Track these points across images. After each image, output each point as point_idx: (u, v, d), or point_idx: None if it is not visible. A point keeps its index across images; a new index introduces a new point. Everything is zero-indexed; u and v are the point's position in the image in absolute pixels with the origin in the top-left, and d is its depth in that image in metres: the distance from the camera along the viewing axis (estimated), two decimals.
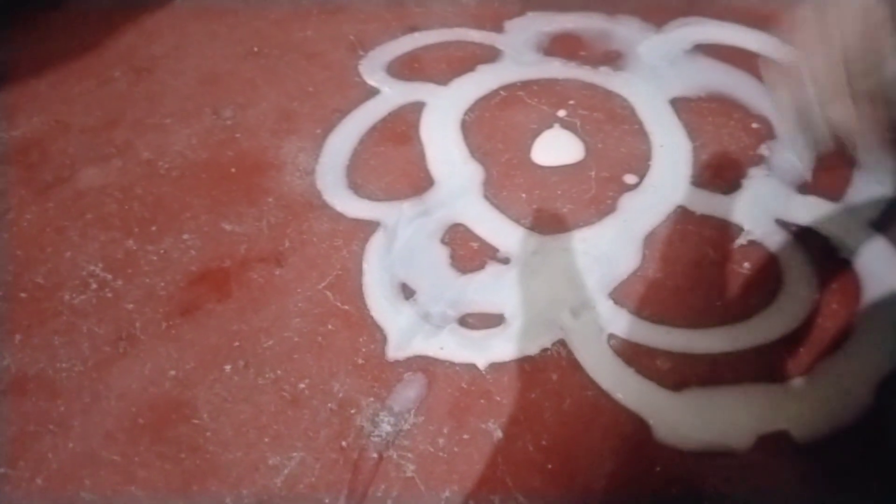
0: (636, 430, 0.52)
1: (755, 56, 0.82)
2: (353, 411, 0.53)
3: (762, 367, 0.55)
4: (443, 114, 0.76)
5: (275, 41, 0.86)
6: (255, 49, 0.85)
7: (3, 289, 0.62)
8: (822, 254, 0.62)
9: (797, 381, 0.54)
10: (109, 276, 0.62)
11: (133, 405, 0.54)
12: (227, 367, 0.56)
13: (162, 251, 0.64)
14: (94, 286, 0.62)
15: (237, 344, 0.57)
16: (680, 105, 0.76)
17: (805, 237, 0.63)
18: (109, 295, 0.61)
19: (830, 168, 0.69)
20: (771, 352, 0.56)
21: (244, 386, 0.55)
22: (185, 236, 0.65)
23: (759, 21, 0.85)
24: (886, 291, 0.59)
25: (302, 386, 0.54)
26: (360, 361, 0.56)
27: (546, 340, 0.57)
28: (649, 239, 0.64)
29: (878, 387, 0.53)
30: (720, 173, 0.69)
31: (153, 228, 0.66)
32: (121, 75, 0.83)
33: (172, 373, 0.56)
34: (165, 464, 0.50)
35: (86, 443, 0.52)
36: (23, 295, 0.61)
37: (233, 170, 0.71)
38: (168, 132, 0.75)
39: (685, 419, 0.52)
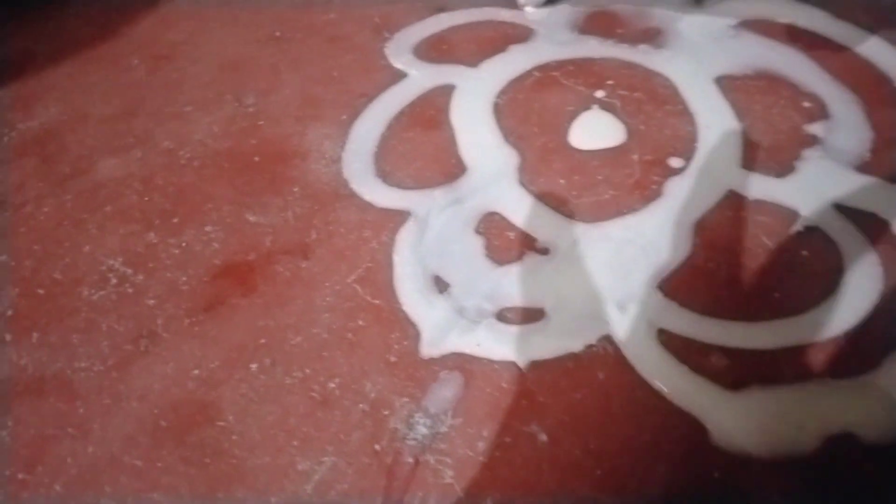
0: (691, 432, 0.48)
1: (803, 32, 0.77)
2: (386, 413, 0.50)
3: (826, 363, 0.51)
4: (474, 97, 0.72)
5: (297, 25, 0.83)
6: (277, 34, 0.82)
7: (21, 285, 0.60)
8: (885, 240, 0.57)
9: (864, 379, 0.50)
10: (130, 271, 0.60)
11: (155, 407, 0.51)
12: (254, 366, 0.53)
13: (184, 244, 0.61)
14: (114, 281, 0.59)
15: (263, 341, 0.54)
16: (725, 84, 0.71)
17: (866, 222, 0.59)
18: (130, 290, 0.58)
19: (889, 144, 0.64)
20: (835, 346, 0.52)
21: (271, 385, 0.52)
22: (208, 228, 0.63)
23: None
24: None
25: (332, 385, 0.51)
26: (393, 359, 0.53)
27: (591, 336, 0.53)
28: (699, 226, 0.59)
29: None
30: (772, 155, 0.64)
31: (175, 220, 0.63)
32: (139, 63, 0.80)
33: (196, 372, 0.53)
34: (189, 469, 0.48)
35: (106, 447, 0.49)
36: (40, 291, 0.59)
37: (256, 158, 0.68)
38: (188, 121, 0.73)
39: (745, 421, 0.48)
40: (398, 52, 0.78)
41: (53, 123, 0.74)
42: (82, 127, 0.73)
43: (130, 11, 0.87)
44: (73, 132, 0.72)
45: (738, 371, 0.50)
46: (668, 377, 0.51)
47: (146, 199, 0.65)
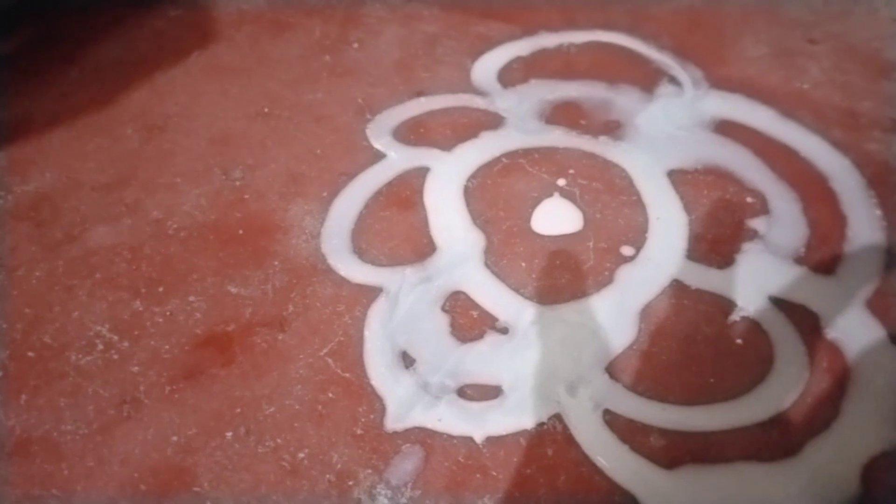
0: None
1: (750, 130, 0.84)
2: (350, 483, 0.54)
3: (753, 446, 0.56)
4: (446, 180, 0.78)
5: (285, 103, 0.89)
6: (266, 110, 0.88)
7: (11, 347, 0.63)
8: (813, 332, 0.63)
9: (787, 462, 0.55)
10: (116, 338, 0.64)
11: (135, 471, 0.55)
12: (229, 434, 0.57)
13: (168, 313, 0.66)
14: (101, 347, 0.63)
15: (239, 410, 0.58)
16: (677, 177, 0.78)
17: (797, 314, 0.65)
18: (115, 357, 0.62)
19: (823, 240, 0.71)
20: (762, 430, 0.57)
21: (245, 454, 0.56)
22: (192, 298, 0.67)
23: (758, 93, 0.88)
24: (872, 373, 0.60)
25: (301, 456, 0.55)
26: (359, 431, 0.57)
27: (543, 414, 0.58)
28: (645, 312, 0.65)
29: (864, 468, 0.55)
30: (715, 247, 0.71)
31: (160, 289, 0.68)
32: (133, 133, 0.85)
33: (175, 438, 0.57)
34: None
35: None
36: (30, 354, 0.63)
37: (240, 231, 0.73)
38: (178, 192, 0.77)
39: (677, 497, 0.53)
40: (378, 133, 0.84)
41: (48, 189, 0.78)
42: (76, 194, 0.77)
43: (126, 81, 0.91)
44: (66, 198, 0.77)
45: (673, 451, 0.56)
46: (610, 455, 0.56)
47: (134, 267, 0.70)
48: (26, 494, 0.53)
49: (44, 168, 0.80)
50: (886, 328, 0.63)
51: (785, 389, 0.59)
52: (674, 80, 0.91)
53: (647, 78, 0.92)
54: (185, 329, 0.64)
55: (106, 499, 0.53)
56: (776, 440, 0.56)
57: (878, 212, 0.74)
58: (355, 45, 0.98)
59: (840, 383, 0.60)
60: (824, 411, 0.58)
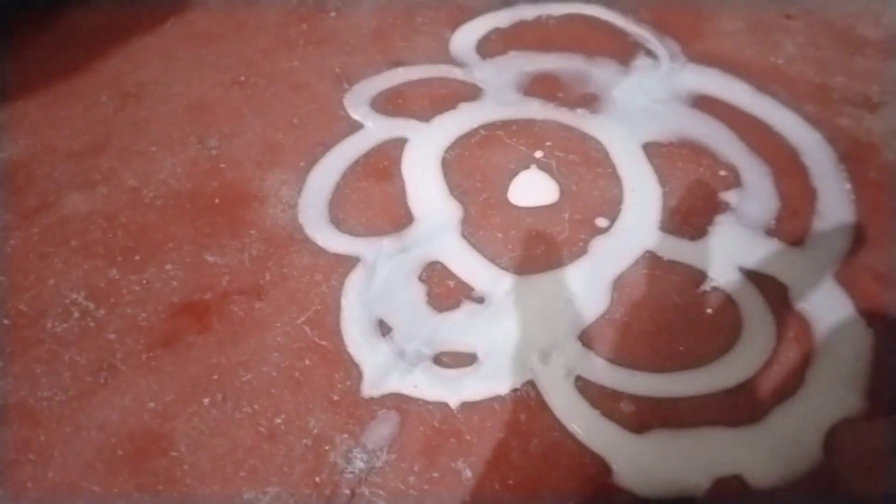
0: (599, 471, 0.54)
1: (724, 104, 0.85)
2: (327, 447, 0.55)
3: (721, 412, 0.58)
4: (424, 151, 0.78)
5: (262, 71, 0.88)
6: (242, 78, 0.87)
7: None
8: (782, 303, 0.65)
9: (753, 428, 0.57)
10: (92, 305, 0.64)
11: (113, 436, 0.55)
12: (206, 400, 0.57)
13: (144, 281, 0.66)
14: (77, 315, 0.63)
15: (216, 377, 0.59)
16: (652, 150, 0.79)
17: (767, 285, 0.66)
18: (92, 324, 0.62)
19: (793, 213, 0.72)
20: (730, 397, 0.59)
21: (222, 420, 0.56)
22: (168, 266, 0.67)
23: (734, 68, 0.88)
24: (838, 344, 0.62)
25: (278, 421, 0.56)
26: (336, 398, 0.58)
27: (516, 381, 0.59)
28: (618, 282, 0.66)
29: (827, 434, 0.56)
30: (688, 219, 0.72)
31: (136, 258, 0.67)
32: (108, 100, 0.84)
33: (152, 405, 0.57)
34: (144, 495, 0.52)
35: (66, 473, 0.53)
36: (6, 322, 0.62)
37: (217, 200, 0.73)
38: (153, 160, 0.77)
39: (646, 461, 0.55)
40: (356, 103, 0.84)
41: (22, 156, 0.77)
42: (50, 161, 0.76)
43: (100, 48, 0.90)
44: (40, 165, 0.76)
45: (643, 416, 0.57)
46: (581, 420, 0.57)
47: (110, 235, 0.69)
48: (2, 459, 0.54)
49: (17, 135, 0.79)
50: (854, 300, 0.65)
51: (752, 358, 0.61)
52: (650, 54, 0.92)
53: (625, 51, 0.92)
54: (161, 297, 0.64)
55: (83, 463, 0.54)
56: (742, 407, 0.58)
57: (848, 186, 0.76)
58: (332, 14, 0.97)
59: (806, 353, 0.61)
60: (790, 380, 0.60)
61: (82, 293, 0.65)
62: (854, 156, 0.79)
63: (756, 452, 0.56)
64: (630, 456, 0.55)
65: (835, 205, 0.74)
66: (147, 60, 0.89)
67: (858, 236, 0.71)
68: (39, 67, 0.87)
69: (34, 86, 0.85)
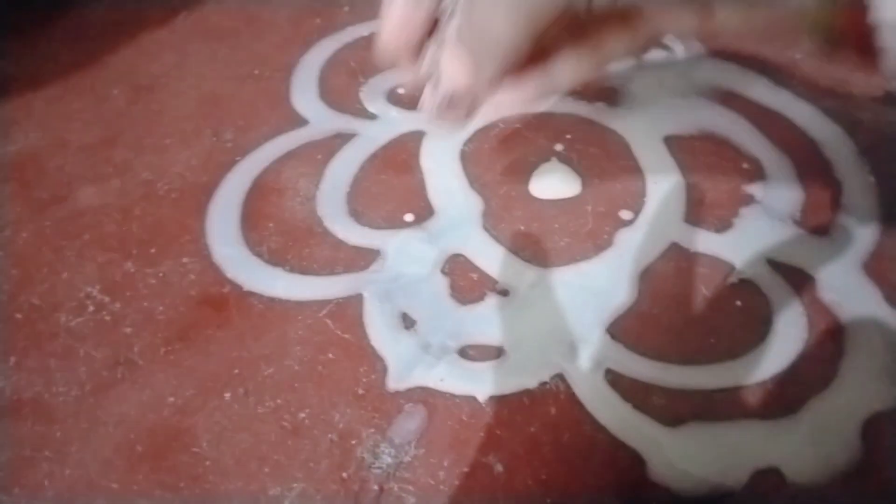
0: (633, 465, 0.53)
1: (745, 98, 0.84)
2: (353, 442, 0.53)
3: (756, 404, 0.56)
4: (443, 144, 0.77)
5: (276, 64, 0.87)
6: (256, 72, 0.86)
7: None
8: (810, 294, 0.64)
9: (789, 419, 0.56)
10: (107, 299, 0.62)
11: (132, 432, 0.54)
12: (227, 395, 0.56)
13: (161, 274, 0.64)
14: (92, 308, 0.61)
15: (237, 371, 0.57)
16: (673, 143, 0.78)
17: (794, 276, 0.65)
18: (107, 318, 0.61)
19: (818, 206, 0.71)
20: (763, 389, 0.57)
21: (244, 414, 0.55)
22: (185, 260, 0.65)
23: (752, 62, 0.88)
24: (869, 334, 0.61)
25: (302, 416, 0.55)
26: (361, 392, 0.56)
27: (545, 374, 0.58)
28: (644, 275, 0.65)
29: (864, 426, 0.55)
30: (712, 212, 0.71)
31: (152, 251, 0.66)
32: (120, 93, 0.82)
33: (171, 399, 0.56)
34: (165, 493, 0.50)
35: (83, 470, 0.51)
36: (18, 316, 0.61)
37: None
38: (168, 153, 0.75)
39: (680, 455, 0.53)
40: (372, 96, 0.83)
41: (33, 149, 0.75)
42: (61, 154, 0.75)
43: (112, 41, 0.89)
44: (52, 159, 0.74)
45: (675, 409, 0.56)
46: (613, 414, 0.55)
47: (124, 228, 0.68)
48: (18, 456, 0.52)
49: (27, 128, 0.78)
50: (882, 290, 0.64)
51: (785, 350, 0.60)
52: (668, 48, 0.91)
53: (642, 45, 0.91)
54: (179, 290, 0.63)
55: (101, 460, 0.52)
56: (776, 399, 0.57)
57: (872, 178, 0.75)
58: (346, 9, 0.96)
59: (838, 344, 0.60)
60: (823, 371, 0.58)
61: (97, 287, 0.63)
62: (876, 148, 0.78)
63: (793, 445, 0.54)
64: (664, 450, 0.54)
65: (859, 197, 0.73)
66: (159, 54, 0.88)
67: (884, 228, 0.70)
68: (49, 62, 0.86)
69: (44, 80, 0.83)
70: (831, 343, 0.60)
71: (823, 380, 0.58)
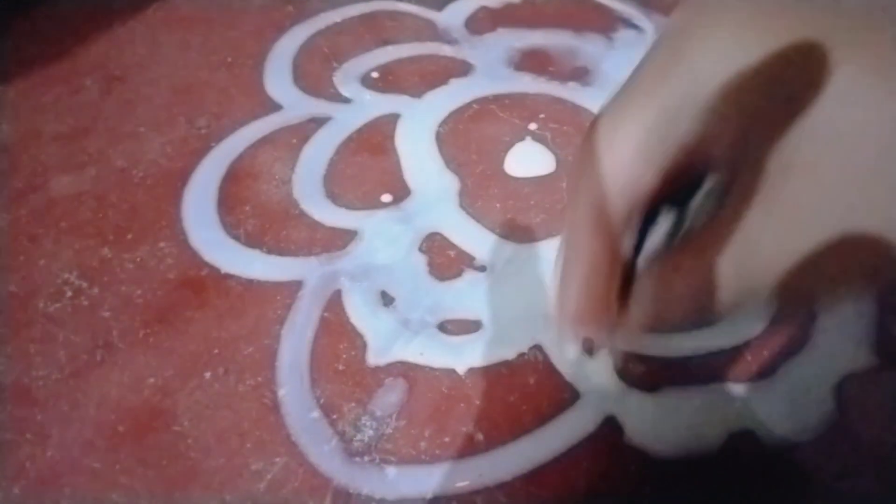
0: (610, 431, 0.54)
1: None
2: (335, 416, 0.54)
3: (730, 368, 0.58)
4: (417, 125, 0.78)
5: (249, 52, 0.87)
6: (229, 59, 0.85)
7: None
8: None
9: (763, 382, 0.57)
10: (85, 284, 0.62)
11: (112, 413, 0.54)
12: (207, 374, 0.56)
13: (138, 259, 0.64)
14: (70, 294, 0.61)
15: (217, 351, 0.57)
16: None
17: None
18: (85, 303, 0.60)
19: None
20: (738, 354, 0.58)
21: (225, 393, 0.55)
22: (162, 244, 0.65)
23: None
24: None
25: (283, 392, 0.55)
26: (341, 367, 0.57)
27: (522, 345, 0.59)
28: None
29: (836, 389, 0.57)
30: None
31: (129, 236, 0.66)
32: (92, 83, 0.82)
33: (151, 380, 0.56)
34: (147, 471, 0.50)
35: (65, 451, 0.51)
36: None
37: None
38: (142, 141, 0.75)
39: (657, 419, 0.54)
40: (346, 80, 0.83)
41: (6, 140, 0.75)
42: (35, 144, 0.74)
43: (84, 31, 0.88)
44: (26, 149, 0.74)
45: (653, 375, 0.57)
46: (590, 381, 0.56)
47: (101, 215, 0.68)
48: None
49: (0, 120, 0.77)
50: None
51: (758, 315, 0.61)
52: (636, 27, 0.92)
53: (611, 26, 0.92)
54: (156, 274, 0.63)
55: (82, 441, 0.52)
56: (751, 363, 0.58)
57: None
58: None
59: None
60: (796, 335, 0.60)
61: (74, 273, 0.63)
62: None
63: (767, 407, 0.55)
64: (641, 415, 0.55)
65: None
66: (131, 45, 0.87)
67: None
68: (18, 54, 0.85)
69: (14, 72, 0.82)
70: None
71: (796, 344, 0.59)
